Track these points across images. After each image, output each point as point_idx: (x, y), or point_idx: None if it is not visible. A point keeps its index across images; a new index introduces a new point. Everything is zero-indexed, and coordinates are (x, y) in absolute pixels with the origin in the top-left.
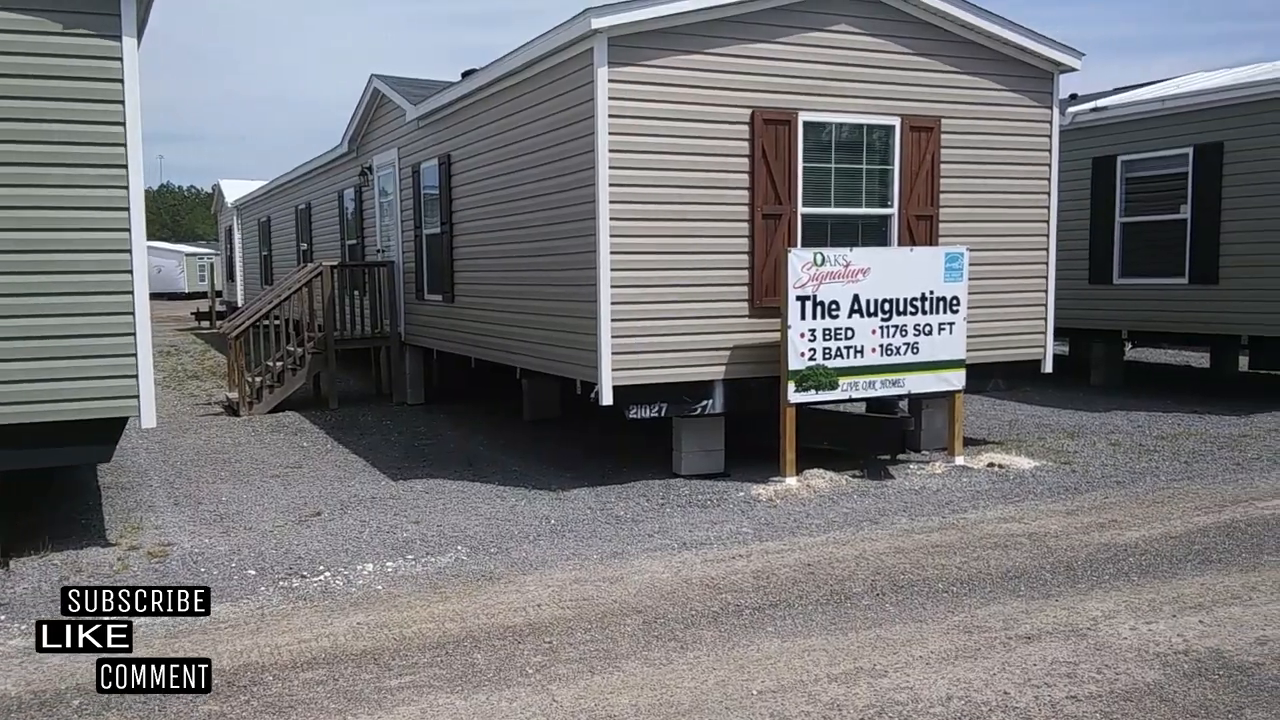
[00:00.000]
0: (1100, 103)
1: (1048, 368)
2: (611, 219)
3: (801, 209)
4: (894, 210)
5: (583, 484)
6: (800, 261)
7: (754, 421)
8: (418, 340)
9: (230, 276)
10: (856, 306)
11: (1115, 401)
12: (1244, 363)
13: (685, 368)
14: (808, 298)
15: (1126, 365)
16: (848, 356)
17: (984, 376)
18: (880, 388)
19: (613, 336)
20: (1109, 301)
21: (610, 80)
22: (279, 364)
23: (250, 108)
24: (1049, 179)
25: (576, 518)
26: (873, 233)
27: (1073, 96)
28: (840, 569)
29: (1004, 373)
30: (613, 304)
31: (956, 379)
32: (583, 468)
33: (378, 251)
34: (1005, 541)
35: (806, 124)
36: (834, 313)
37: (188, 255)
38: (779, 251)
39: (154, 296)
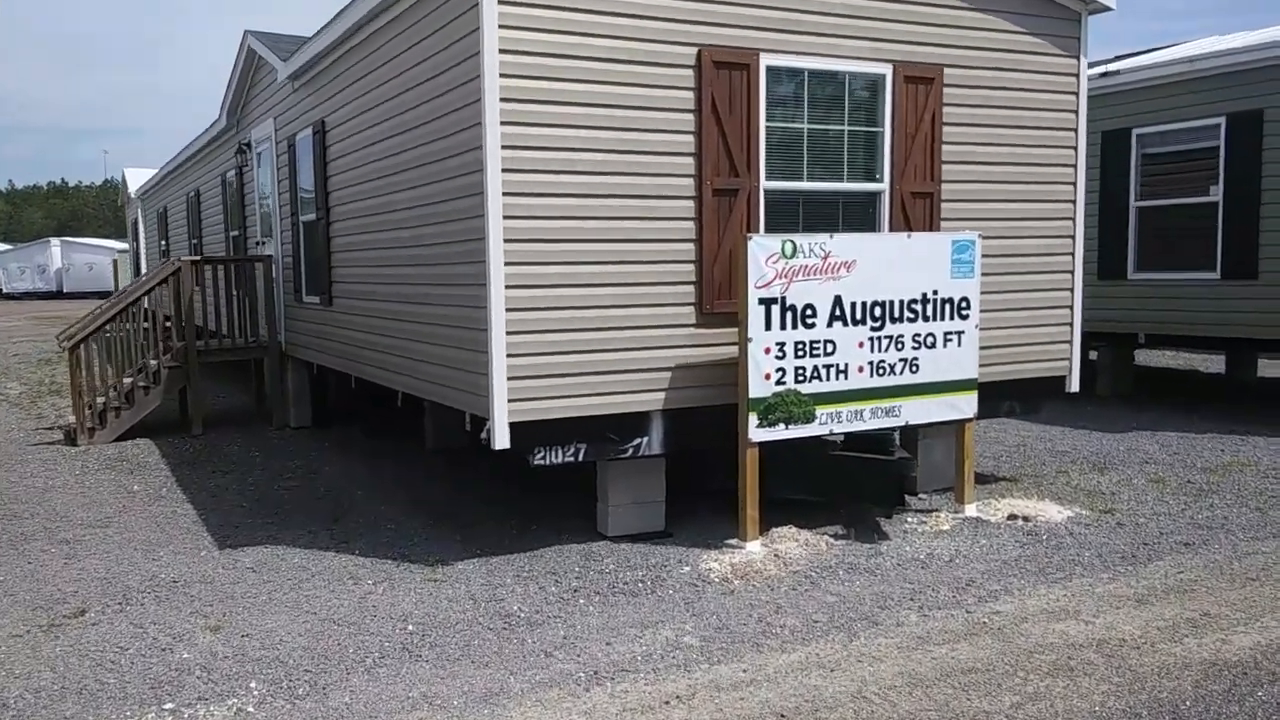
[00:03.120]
0: (1111, 66)
1: (1073, 386)
2: (505, 195)
3: (765, 183)
4: (885, 185)
5: (474, 552)
6: (764, 252)
7: (707, 453)
8: (299, 351)
9: (137, 272)
10: (839, 311)
11: (1132, 416)
12: (1257, 366)
13: (610, 395)
14: (774, 300)
15: (1136, 372)
16: (828, 378)
17: (994, 399)
18: (871, 418)
19: (509, 355)
20: (1122, 300)
21: (501, 4)
22: (130, 380)
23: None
24: (1075, 147)
25: (449, 619)
26: (858, 214)
27: None
28: None
29: (1019, 393)
30: (508, 311)
31: (967, 404)
32: (482, 524)
33: (256, 244)
34: (1067, 659)
35: (771, 70)
36: (809, 320)
37: (120, 252)
38: (735, 239)
39: (88, 294)
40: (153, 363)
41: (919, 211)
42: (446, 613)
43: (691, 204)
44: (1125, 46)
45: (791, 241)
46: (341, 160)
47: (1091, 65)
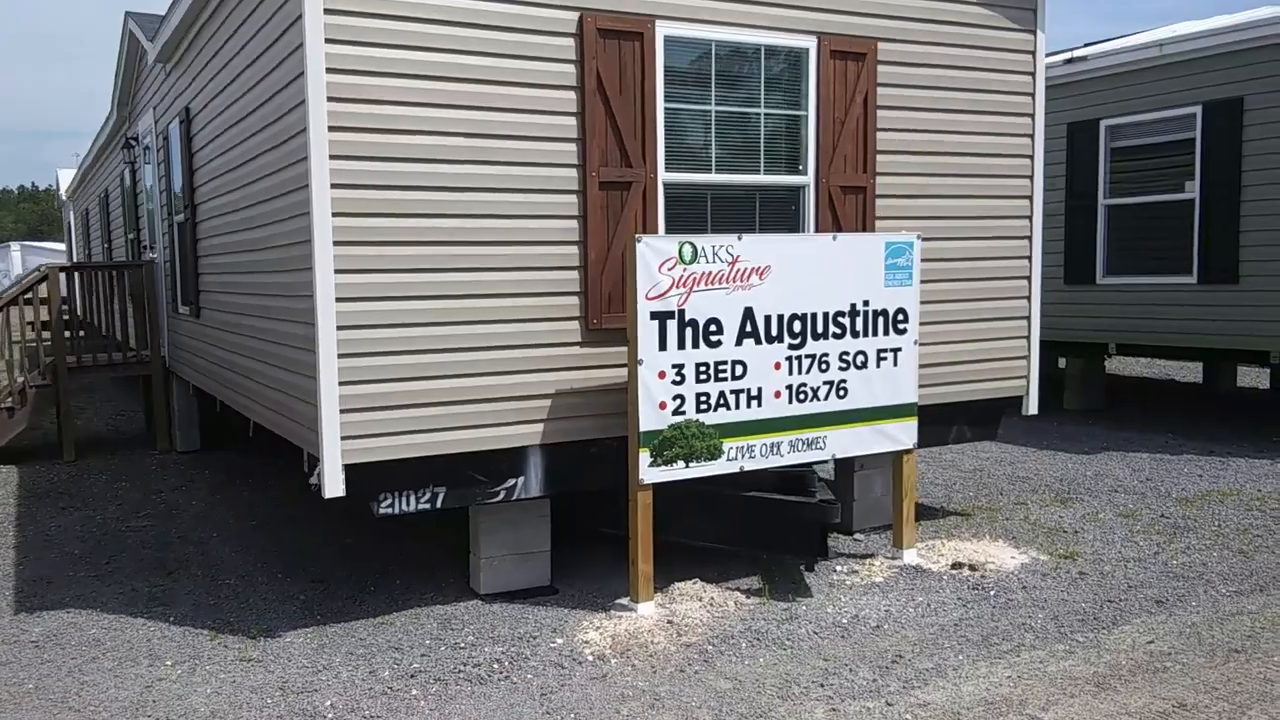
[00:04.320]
0: (1078, 52)
1: (1031, 407)
2: (334, 188)
3: (664, 175)
4: (809, 179)
5: (314, 618)
6: (657, 256)
7: (620, 489)
8: (179, 368)
9: None
10: (750, 327)
11: (1103, 434)
12: (1236, 375)
13: (476, 429)
14: (670, 314)
15: (1106, 384)
16: (737, 406)
17: (940, 424)
18: (790, 452)
19: (341, 383)
20: (1091, 307)
21: None
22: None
23: None
24: (1032, 136)
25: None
26: (777, 212)
27: None
28: None
29: (970, 417)
30: (340, 330)
31: (905, 433)
32: (338, 578)
33: (145, 247)
34: None
35: (670, 41)
36: (714, 337)
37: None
38: (627, 241)
39: None
40: (18, 381)
41: (850, 209)
42: (239, 712)
43: (574, 200)
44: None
45: (691, 244)
46: (203, 152)
47: (1057, 53)
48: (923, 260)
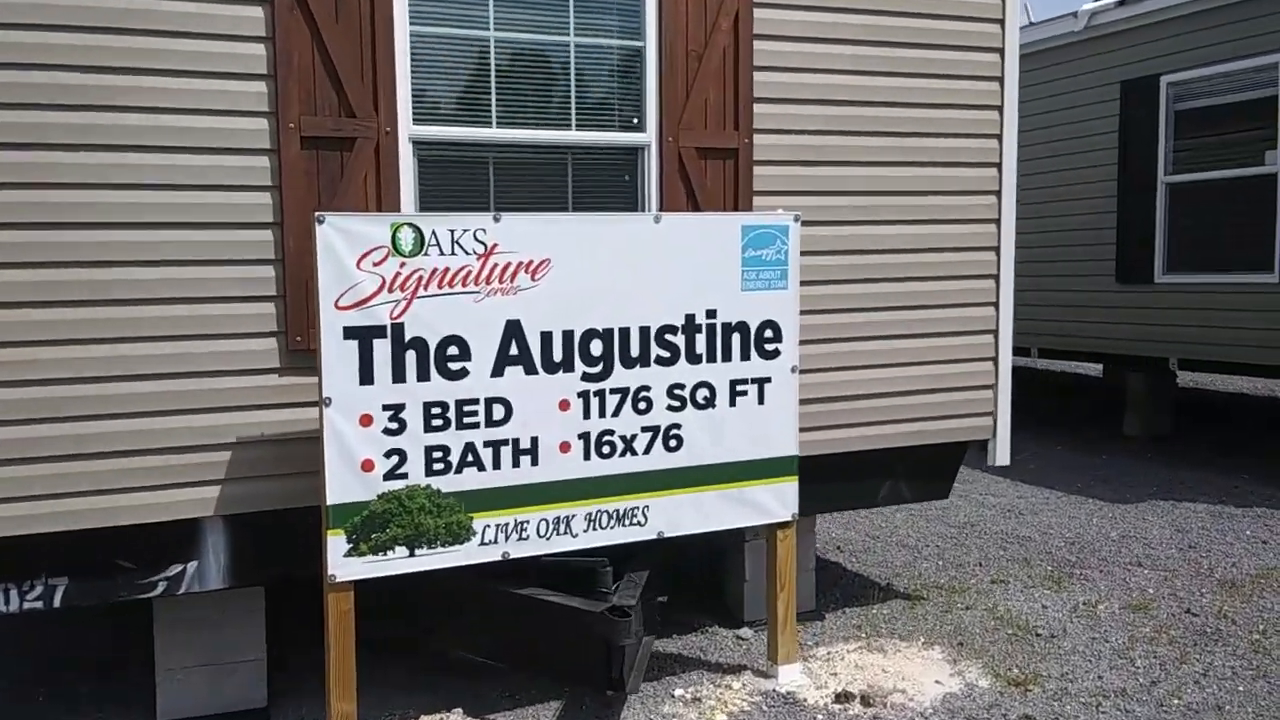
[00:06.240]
0: None
1: (1001, 457)
2: None
3: (411, 128)
4: (649, 136)
5: None
6: (354, 244)
7: None
8: None
9: None
10: (517, 349)
11: (1156, 474)
12: None
13: (117, 493)
14: (379, 331)
15: (1177, 403)
16: (497, 465)
17: (863, 478)
18: (588, 530)
19: None
20: (1147, 312)
21: None
22: None
23: None
24: (1001, 80)
25: None
26: (602, 185)
27: None
28: None
29: (909, 468)
30: None
31: (778, 499)
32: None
33: None
34: None
35: None
36: (454, 364)
37: None
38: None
39: None
40: None
41: (714, 180)
42: None
43: (266, 162)
44: None
45: (412, 226)
46: None
47: None
48: (834, 252)
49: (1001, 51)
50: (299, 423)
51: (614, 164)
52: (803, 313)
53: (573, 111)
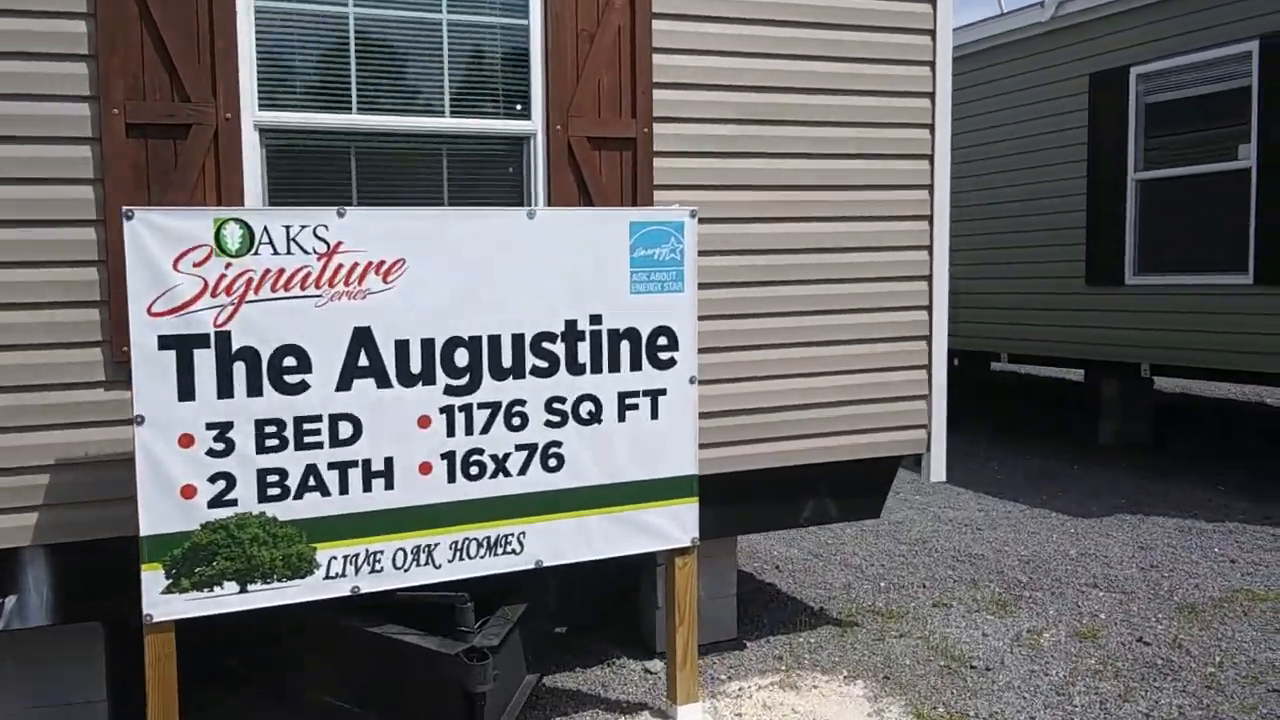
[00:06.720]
0: None
1: (936, 473)
2: None
3: (257, 114)
4: (535, 124)
5: None
6: (169, 243)
7: None
8: None
9: None
10: (367, 359)
11: (1128, 485)
12: None
13: None
14: (200, 340)
15: (1157, 409)
16: (344, 489)
17: (781, 498)
18: (455, 560)
19: None
20: (1117, 315)
21: None
22: None
23: None
24: (932, 65)
25: None
26: (482, 179)
27: None
28: None
29: (834, 486)
30: None
31: (675, 522)
32: None
33: None
34: None
35: None
36: (291, 377)
37: None
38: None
39: None
40: None
41: (608, 173)
42: None
43: (87, 152)
44: None
45: (240, 222)
46: None
47: None
48: (745, 251)
49: (933, 33)
50: (126, 442)
51: (496, 155)
52: (709, 318)
53: (446, 96)
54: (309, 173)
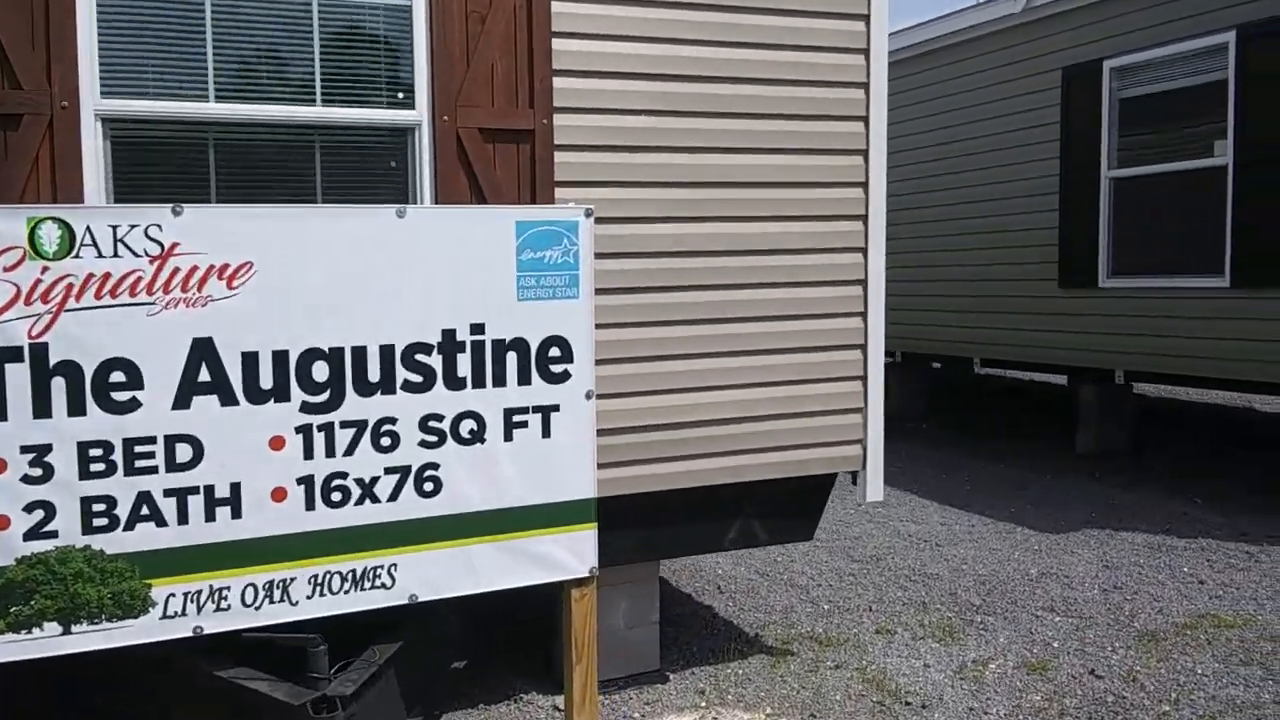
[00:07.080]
0: None
1: (873, 492)
2: None
3: (99, 102)
4: (420, 114)
5: None
6: None
7: None
8: None
9: None
10: (209, 373)
11: (1100, 496)
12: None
13: None
14: (10, 352)
15: (1137, 416)
16: (183, 519)
17: (708, 517)
18: (314, 595)
19: None
20: (1091, 319)
21: None
22: None
23: None
24: (867, 53)
25: None
26: (361, 174)
27: None
28: None
29: (760, 506)
30: None
31: (570, 550)
32: None
33: None
34: None
35: None
36: (120, 394)
37: None
38: None
39: None
40: None
41: (502, 168)
42: None
43: None
44: None
45: (59, 222)
46: None
47: None
48: (655, 254)
49: (867, 18)
50: None
51: (376, 149)
52: (613, 325)
53: (317, 83)
54: (162, 169)
